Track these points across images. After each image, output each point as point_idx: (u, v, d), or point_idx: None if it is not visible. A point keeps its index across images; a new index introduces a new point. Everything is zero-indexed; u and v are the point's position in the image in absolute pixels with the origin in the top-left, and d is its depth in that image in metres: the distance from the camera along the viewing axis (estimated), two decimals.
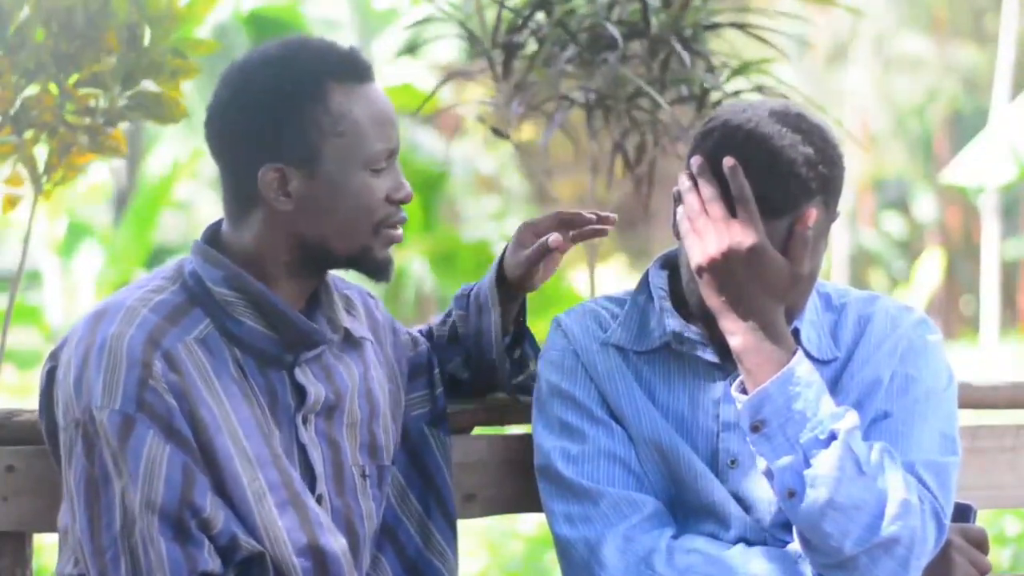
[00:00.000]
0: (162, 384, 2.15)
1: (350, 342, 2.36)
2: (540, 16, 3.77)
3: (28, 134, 3.23)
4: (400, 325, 2.54)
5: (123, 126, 3.36)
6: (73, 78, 3.20)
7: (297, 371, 2.27)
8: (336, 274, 2.40)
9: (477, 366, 2.55)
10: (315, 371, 2.29)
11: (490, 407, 2.62)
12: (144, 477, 2.12)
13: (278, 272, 2.26)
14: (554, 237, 2.43)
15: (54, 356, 2.24)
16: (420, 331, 2.60)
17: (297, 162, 2.21)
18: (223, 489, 2.18)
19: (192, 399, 2.17)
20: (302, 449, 2.27)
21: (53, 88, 3.20)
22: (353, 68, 2.24)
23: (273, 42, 2.28)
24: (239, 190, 2.25)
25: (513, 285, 2.52)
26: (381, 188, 2.25)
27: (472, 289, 2.57)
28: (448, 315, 2.61)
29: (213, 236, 2.30)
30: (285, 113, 2.20)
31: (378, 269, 2.29)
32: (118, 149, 3.27)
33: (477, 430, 2.67)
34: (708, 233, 2.22)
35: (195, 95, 13.24)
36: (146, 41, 3.22)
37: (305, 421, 2.27)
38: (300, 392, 2.27)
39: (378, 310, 2.48)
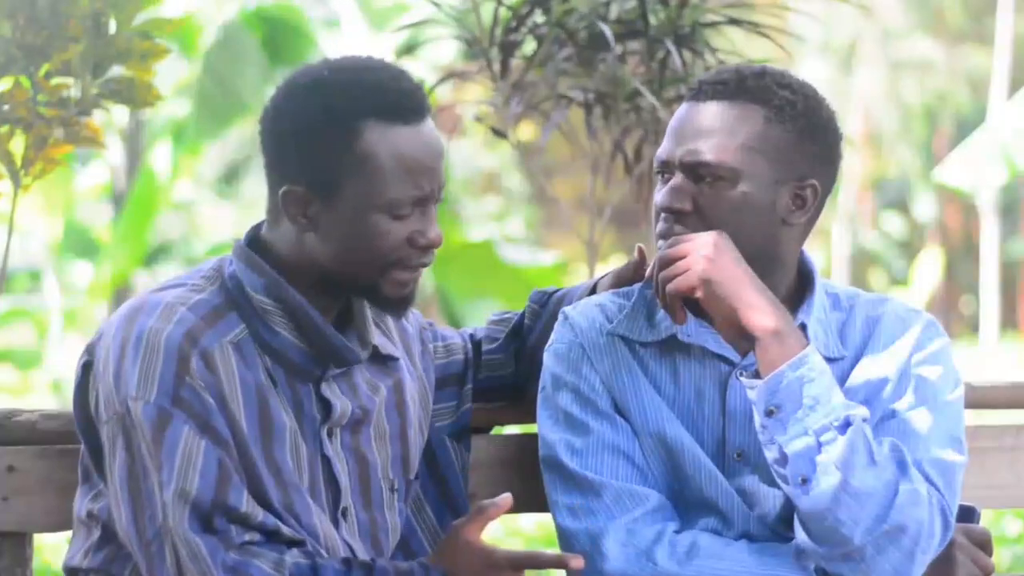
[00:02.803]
0: (199, 382, 2.14)
1: (378, 359, 2.35)
2: (538, 15, 3.77)
3: (3, 129, 3.23)
4: (436, 331, 2.52)
5: (122, 124, 3.37)
6: (44, 69, 3.20)
7: (323, 385, 2.26)
8: None
9: (529, 361, 2.54)
10: (342, 387, 2.28)
11: (516, 406, 2.62)
12: (180, 467, 2.12)
13: (309, 284, 2.24)
14: (639, 250, 2.42)
15: (89, 350, 2.24)
16: (471, 336, 2.58)
17: (318, 189, 2.19)
18: (256, 490, 2.17)
19: (227, 400, 2.16)
20: (327, 462, 2.26)
21: (24, 81, 3.20)
22: (399, 108, 2.18)
23: (331, 63, 2.25)
24: (272, 197, 2.25)
25: None
26: (401, 232, 2.20)
27: (557, 292, 2.57)
28: (506, 316, 2.60)
29: (255, 237, 2.28)
30: (312, 142, 2.18)
31: (388, 306, 2.26)
32: (94, 139, 3.27)
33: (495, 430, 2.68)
34: (679, 261, 2.25)
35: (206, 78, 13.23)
36: (111, 27, 3.22)
37: (330, 434, 2.27)
38: (326, 405, 2.26)
39: (407, 321, 2.45)
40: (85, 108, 3.25)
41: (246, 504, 2.14)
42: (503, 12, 3.77)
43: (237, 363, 2.18)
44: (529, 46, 3.80)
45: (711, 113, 2.31)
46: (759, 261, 2.30)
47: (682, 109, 2.36)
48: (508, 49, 3.76)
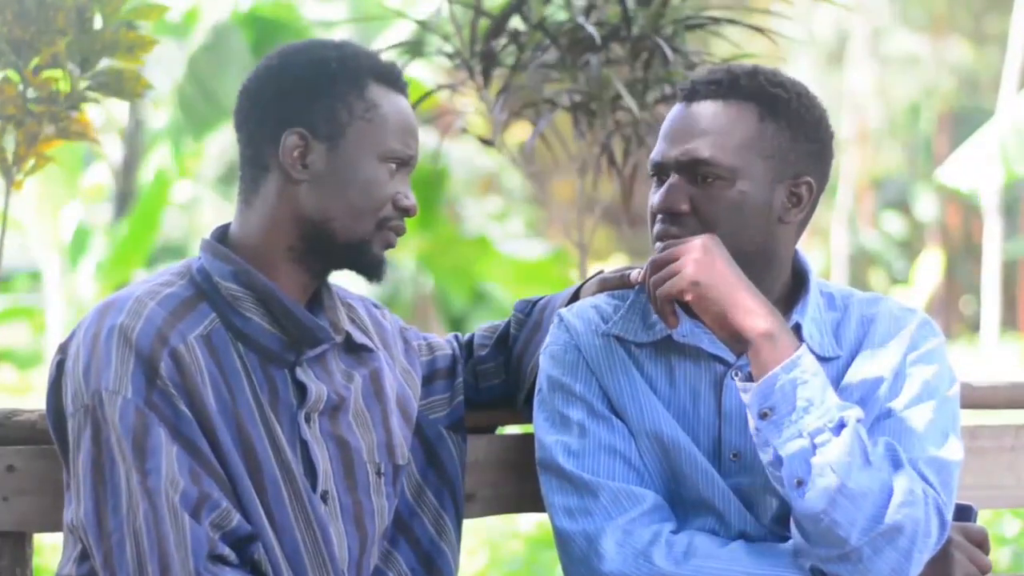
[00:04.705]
0: (169, 388, 2.18)
1: (352, 348, 2.39)
2: (518, 22, 3.78)
3: None
4: (416, 332, 2.58)
5: (122, 125, 3.36)
6: (33, 63, 3.20)
7: (298, 370, 2.30)
8: (339, 285, 2.43)
9: (516, 370, 2.58)
10: (316, 371, 2.32)
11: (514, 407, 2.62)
12: (166, 460, 2.16)
13: (282, 262, 2.30)
14: (635, 272, 2.44)
15: (63, 349, 2.27)
16: (456, 337, 2.63)
17: (322, 134, 2.29)
18: (231, 487, 2.20)
19: (197, 398, 2.20)
20: (304, 446, 2.28)
21: (13, 76, 3.20)
22: (392, 76, 2.35)
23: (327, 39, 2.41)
24: (257, 157, 2.31)
25: None
26: (391, 187, 2.31)
27: (540, 300, 2.61)
28: (495, 325, 2.64)
29: (221, 235, 2.35)
30: (324, 86, 2.30)
31: (372, 266, 2.33)
32: (85, 133, 3.27)
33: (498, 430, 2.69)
34: (670, 264, 2.26)
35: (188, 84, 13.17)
36: (97, 20, 3.22)
37: (308, 419, 2.29)
38: (301, 390, 2.29)
39: (385, 319, 2.51)
40: (74, 102, 3.25)
41: (223, 504, 2.18)
42: (482, 22, 3.78)
43: (206, 358, 2.22)
44: (512, 52, 3.80)
45: (706, 113, 2.32)
46: (757, 261, 2.30)
47: (675, 110, 2.36)
48: (489, 58, 3.76)
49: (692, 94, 2.34)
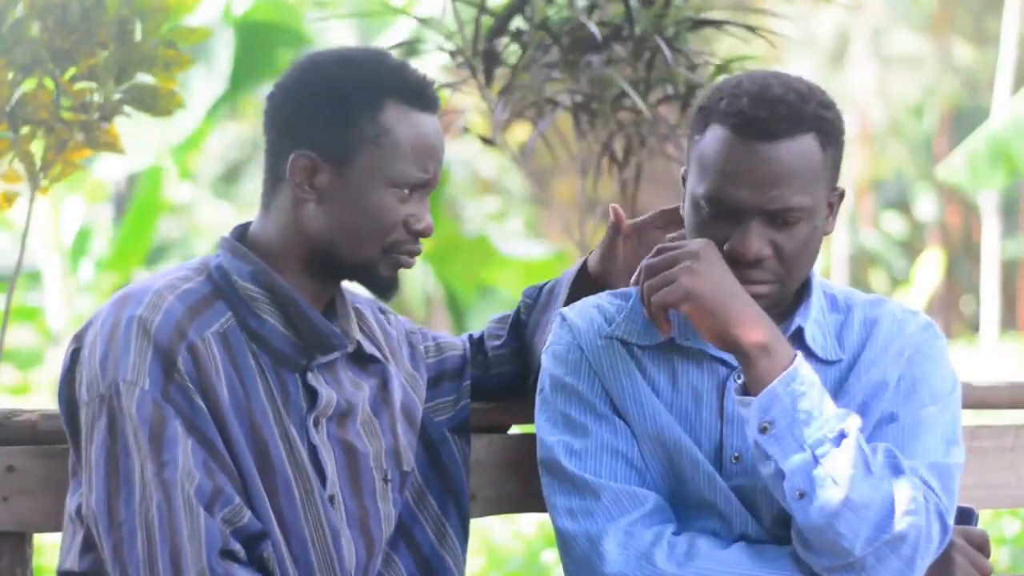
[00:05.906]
0: (187, 382, 2.18)
1: (360, 359, 2.38)
2: (521, 21, 3.78)
3: (24, 130, 3.24)
4: (427, 333, 2.57)
5: (121, 125, 3.36)
6: (69, 73, 3.21)
7: (309, 375, 2.29)
8: (346, 286, 2.43)
9: (528, 353, 2.58)
10: (326, 378, 2.32)
11: (517, 406, 2.62)
12: (182, 453, 2.16)
13: (296, 270, 2.30)
14: (613, 209, 2.42)
15: (78, 338, 2.27)
16: (470, 337, 2.62)
17: (330, 158, 2.26)
18: (241, 482, 2.21)
19: (211, 394, 2.20)
20: (313, 449, 2.28)
21: (49, 84, 3.22)
22: (416, 94, 2.29)
23: (353, 47, 2.36)
24: (273, 169, 2.30)
25: (596, 280, 2.56)
26: (401, 212, 2.28)
27: (548, 284, 2.61)
28: (506, 315, 2.64)
29: (240, 234, 2.34)
30: (336, 107, 2.26)
31: (380, 287, 2.32)
32: (114, 144, 3.29)
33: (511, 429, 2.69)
34: (665, 272, 2.25)
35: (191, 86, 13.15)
36: (138, 34, 3.24)
37: (316, 424, 2.29)
38: (312, 395, 2.29)
39: (390, 324, 2.50)
40: (107, 114, 3.27)
41: (236, 499, 2.18)
42: (484, 20, 3.78)
43: (222, 355, 2.22)
44: (515, 53, 3.81)
45: (780, 155, 2.24)
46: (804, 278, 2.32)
47: (734, 145, 2.25)
48: (491, 58, 3.77)
49: (754, 132, 2.25)
